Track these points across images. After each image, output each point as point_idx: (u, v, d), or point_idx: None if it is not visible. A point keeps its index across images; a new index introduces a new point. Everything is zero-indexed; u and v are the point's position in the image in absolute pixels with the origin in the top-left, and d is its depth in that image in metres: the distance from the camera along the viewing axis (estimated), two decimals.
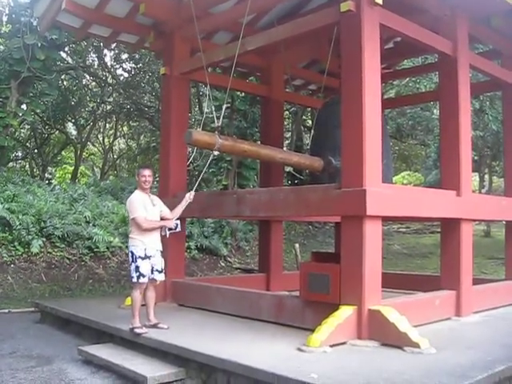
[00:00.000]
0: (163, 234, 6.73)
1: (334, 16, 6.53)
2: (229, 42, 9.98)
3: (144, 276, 6.52)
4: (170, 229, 6.74)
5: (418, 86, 16.17)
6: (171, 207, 7.11)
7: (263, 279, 10.06)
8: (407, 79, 16.99)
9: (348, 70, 6.42)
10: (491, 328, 6.95)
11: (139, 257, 6.53)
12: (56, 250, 11.88)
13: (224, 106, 7.91)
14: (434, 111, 17.75)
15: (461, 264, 7.38)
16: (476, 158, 18.96)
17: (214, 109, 8.47)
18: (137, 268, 6.52)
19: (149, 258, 6.56)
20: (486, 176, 22.97)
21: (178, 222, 6.88)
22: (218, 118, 7.47)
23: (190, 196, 7.17)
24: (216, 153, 7.16)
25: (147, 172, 6.82)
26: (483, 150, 18.34)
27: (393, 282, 8.68)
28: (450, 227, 7.55)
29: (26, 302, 9.67)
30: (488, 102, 15.92)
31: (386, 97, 17.75)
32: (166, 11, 8.87)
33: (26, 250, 11.37)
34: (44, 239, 11.77)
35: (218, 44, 9.91)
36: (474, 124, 15.55)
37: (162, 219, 6.92)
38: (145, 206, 6.62)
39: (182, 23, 8.78)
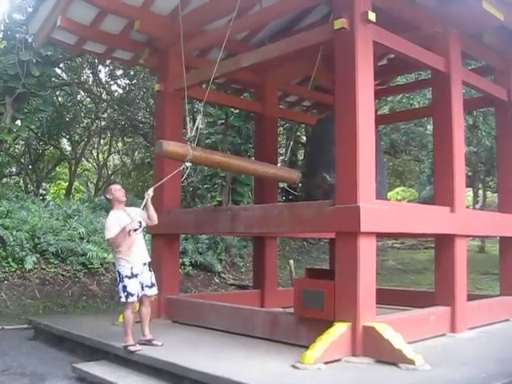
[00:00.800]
0: (130, 234, 6.51)
1: (328, 33, 6.59)
2: (223, 58, 10.00)
3: (132, 295, 6.47)
4: (134, 230, 6.53)
5: (411, 102, 16.26)
6: (166, 222, 7.09)
7: (257, 296, 10.02)
8: (401, 95, 17.04)
9: (342, 86, 6.46)
10: (486, 344, 6.94)
11: (126, 276, 6.48)
12: (50, 266, 11.83)
13: (199, 118, 7.85)
14: (428, 127, 17.81)
15: (455, 280, 7.38)
16: (470, 173, 19.02)
17: (188, 120, 8.44)
18: (124, 288, 6.48)
19: (136, 276, 6.52)
20: (480, 191, 23.04)
21: (141, 219, 6.65)
22: (196, 129, 7.45)
23: (148, 193, 6.88)
24: (188, 164, 7.12)
25: (120, 186, 6.85)
26: (477, 166, 18.41)
27: (387, 298, 8.66)
28: (444, 243, 7.56)
29: (20, 319, 9.60)
30: (481, 118, 16.00)
31: (379, 113, 17.81)
32: (161, 28, 8.92)
33: (20, 266, 11.32)
34: (38, 255, 11.72)
35: (212, 61, 9.94)
36: (468, 140, 15.62)
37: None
38: (120, 223, 6.49)
39: (176, 40, 8.79)
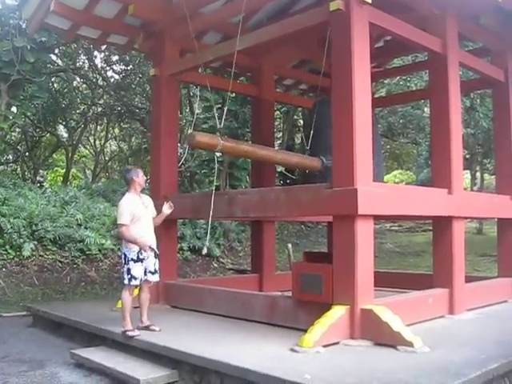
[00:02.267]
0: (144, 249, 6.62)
1: (324, 15, 6.53)
2: (218, 42, 9.96)
3: (136, 279, 6.50)
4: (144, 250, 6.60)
5: (408, 84, 16.21)
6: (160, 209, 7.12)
7: (256, 280, 10.04)
8: (398, 78, 17.00)
9: (338, 69, 6.42)
10: (484, 325, 6.95)
11: (131, 259, 6.51)
12: (48, 253, 11.84)
13: (225, 109, 7.95)
14: (425, 109, 17.77)
15: (453, 262, 7.39)
16: (467, 155, 18.99)
17: (216, 111, 8.50)
18: (128, 270, 6.51)
19: (141, 260, 6.54)
20: (478, 173, 23.02)
21: (155, 247, 6.77)
22: (220, 120, 7.56)
23: (169, 206, 7.15)
24: (219, 154, 7.21)
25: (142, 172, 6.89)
26: (474, 148, 18.38)
27: (386, 281, 8.68)
28: (441, 225, 7.55)
29: (18, 306, 9.61)
30: (478, 100, 15.97)
31: (376, 95, 17.72)
32: (155, 12, 8.85)
33: (18, 253, 11.31)
34: (36, 242, 11.72)
35: (207, 44, 9.89)
36: (465, 122, 15.58)
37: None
38: (133, 210, 6.56)
39: (171, 24, 8.75)
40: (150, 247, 6.58)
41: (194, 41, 7.91)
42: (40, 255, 11.68)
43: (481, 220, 18.84)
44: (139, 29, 9.35)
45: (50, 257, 11.78)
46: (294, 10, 9.55)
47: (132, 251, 6.52)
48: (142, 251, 6.51)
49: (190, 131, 7.82)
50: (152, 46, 9.33)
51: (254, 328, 6.79)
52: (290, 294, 6.99)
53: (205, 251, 7.89)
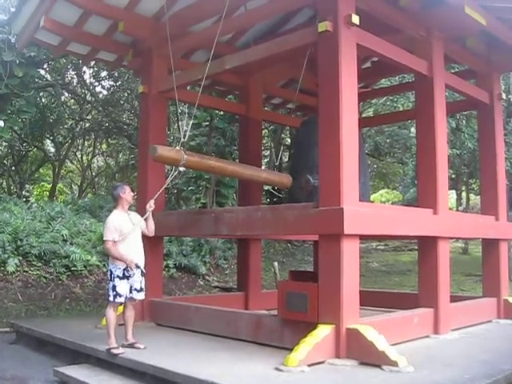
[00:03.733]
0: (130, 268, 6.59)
1: (312, 36, 6.61)
2: (207, 60, 10.00)
3: (121, 296, 6.48)
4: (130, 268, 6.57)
5: (395, 104, 16.32)
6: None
7: (242, 298, 10.01)
8: (385, 98, 17.14)
9: (325, 89, 6.48)
10: (469, 345, 6.98)
11: (117, 276, 6.49)
12: (32, 268, 11.73)
13: (190, 123, 7.91)
14: (412, 129, 17.88)
15: (438, 282, 7.43)
16: (453, 175, 19.10)
17: (188, 126, 8.47)
18: (114, 287, 6.49)
19: (127, 278, 6.52)
20: (464, 194, 23.16)
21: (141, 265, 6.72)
22: (187, 132, 7.48)
23: (150, 204, 7.02)
24: (182, 169, 7.15)
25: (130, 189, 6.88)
26: (460, 168, 18.48)
27: (371, 300, 8.72)
28: (427, 245, 7.60)
29: (1, 322, 9.50)
30: (464, 121, 16.11)
31: (364, 115, 17.89)
32: (145, 29, 8.90)
33: (2, 268, 11.19)
34: (20, 258, 11.61)
35: (196, 62, 9.95)
36: (451, 142, 15.70)
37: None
38: (121, 227, 6.56)
39: (160, 42, 8.79)
40: (136, 265, 6.55)
41: (181, 60, 7.95)
42: (24, 271, 11.58)
43: (466, 240, 18.94)
44: (128, 46, 9.39)
45: (34, 272, 11.67)
46: (283, 30, 9.64)
47: (118, 268, 6.51)
48: (128, 268, 6.50)
49: (177, 148, 7.80)
50: (141, 63, 9.37)
51: (240, 347, 6.77)
52: (275, 312, 6.98)
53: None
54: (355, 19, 6.33)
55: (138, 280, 6.66)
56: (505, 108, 13.77)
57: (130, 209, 7.04)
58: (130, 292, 6.61)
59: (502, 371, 5.54)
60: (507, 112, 14.75)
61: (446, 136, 8.38)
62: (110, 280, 6.56)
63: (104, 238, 6.63)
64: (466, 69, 10.44)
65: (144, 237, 6.98)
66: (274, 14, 8.66)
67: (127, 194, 6.81)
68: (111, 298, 6.52)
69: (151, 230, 7.04)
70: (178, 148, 7.27)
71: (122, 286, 6.50)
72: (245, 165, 8.48)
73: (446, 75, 8.34)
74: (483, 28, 7.60)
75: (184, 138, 7.39)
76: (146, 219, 6.96)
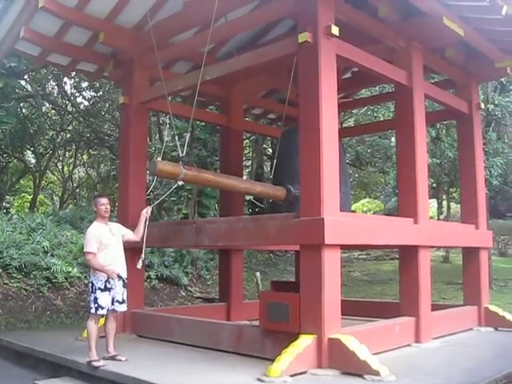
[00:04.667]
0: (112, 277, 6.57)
1: (292, 47, 6.66)
2: (188, 71, 10.02)
3: (102, 308, 6.45)
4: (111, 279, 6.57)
5: (376, 114, 16.44)
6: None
7: (223, 309, 9.97)
8: (365, 108, 17.25)
9: (305, 99, 6.51)
10: (450, 353, 7.03)
11: (99, 288, 6.46)
12: (13, 281, 11.61)
13: (188, 136, 7.93)
14: (392, 139, 17.95)
15: (419, 290, 7.48)
16: (434, 184, 19.23)
17: (177, 139, 8.50)
18: (95, 299, 6.45)
19: (109, 290, 6.49)
20: (444, 202, 23.30)
21: (123, 275, 6.73)
22: (181, 147, 7.53)
23: (146, 211, 7.17)
24: (180, 183, 7.19)
25: (105, 200, 6.85)
26: (441, 177, 18.58)
27: (353, 310, 8.73)
28: (408, 254, 7.65)
29: None
30: (444, 130, 16.24)
31: (345, 125, 18.01)
32: (125, 40, 8.88)
33: None
34: (0, 270, 11.50)
35: (177, 73, 9.95)
36: (431, 151, 15.81)
37: (126, 242, 6.98)
38: (100, 238, 6.55)
39: (141, 52, 8.79)
40: (118, 275, 6.52)
41: (162, 70, 7.96)
42: (4, 283, 11.46)
43: (447, 248, 19.06)
44: (109, 57, 9.37)
45: (14, 285, 11.56)
46: (264, 41, 9.69)
47: (99, 280, 6.47)
48: (110, 280, 6.46)
49: (158, 159, 7.80)
50: (121, 73, 9.35)
51: (222, 358, 6.75)
52: (257, 323, 6.98)
53: (139, 265, 7.57)
54: (335, 30, 6.39)
55: (119, 292, 6.63)
56: (483, 117, 13.94)
57: (110, 219, 7.01)
58: (112, 304, 6.57)
59: (484, 379, 5.60)
60: (486, 121, 14.92)
61: (426, 145, 8.46)
62: (92, 292, 6.52)
63: (84, 250, 6.62)
64: (445, 79, 10.54)
65: (125, 248, 6.96)
66: (255, 25, 8.72)
67: (98, 207, 6.79)
68: (93, 311, 6.48)
69: (140, 235, 7.16)
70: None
71: (104, 298, 6.46)
72: (240, 178, 8.55)
73: (426, 85, 8.43)
74: (461, 38, 7.70)
75: (182, 152, 7.48)
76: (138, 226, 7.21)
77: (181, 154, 7.45)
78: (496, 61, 8.83)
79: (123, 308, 6.75)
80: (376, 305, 10.54)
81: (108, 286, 6.49)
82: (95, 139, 20.78)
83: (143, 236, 7.23)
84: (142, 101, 8.86)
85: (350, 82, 10.72)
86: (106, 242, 6.58)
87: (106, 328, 6.69)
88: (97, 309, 6.45)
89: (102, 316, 6.62)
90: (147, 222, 7.33)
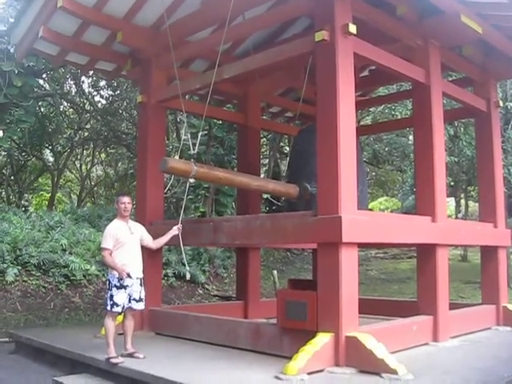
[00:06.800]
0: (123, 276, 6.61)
1: (309, 45, 6.65)
2: (205, 69, 10.05)
3: (118, 305, 6.49)
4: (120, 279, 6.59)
5: (393, 112, 16.37)
6: (149, 234, 7.18)
7: (241, 307, 10.00)
8: (383, 106, 17.18)
9: (323, 97, 6.50)
10: (468, 353, 6.98)
11: (114, 285, 6.52)
12: (32, 278, 11.73)
13: (200, 134, 7.97)
14: (410, 137, 17.93)
15: (437, 289, 7.44)
16: (452, 183, 19.13)
17: (190, 136, 8.52)
18: (111, 297, 6.51)
19: (125, 287, 6.53)
20: (462, 201, 23.17)
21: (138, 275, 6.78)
22: (194, 145, 7.54)
23: (178, 227, 7.36)
24: (192, 180, 7.20)
25: (126, 199, 6.87)
26: (459, 175, 18.49)
27: (370, 308, 8.70)
28: (425, 253, 7.61)
29: (1, 332, 9.48)
30: (462, 128, 16.14)
31: (362, 123, 17.94)
32: (143, 39, 8.93)
33: (1, 278, 11.19)
34: (19, 267, 11.60)
35: (194, 72, 9.99)
36: (449, 150, 15.74)
37: (142, 246, 7.01)
38: (117, 235, 6.62)
39: (158, 51, 8.83)
40: (128, 274, 6.54)
41: (180, 69, 7.99)
42: (24, 280, 11.58)
43: (465, 247, 18.95)
44: (127, 56, 9.43)
45: (33, 282, 11.67)
46: (281, 39, 9.69)
47: (115, 277, 6.53)
48: (126, 279, 6.50)
49: (176, 157, 7.85)
50: (139, 72, 9.40)
51: (239, 355, 6.77)
52: (275, 321, 6.98)
53: (188, 277, 7.92)
54: (352, 28, 6.37)
55: (137, 290, 6.67)
56: (502, 115, 13.83)
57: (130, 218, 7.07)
58: (129, 302, 6.62)
59: (501, 378, 5.57)
60: (505, 119, 14.80)
61: (444, 143, 8.41)
62: (108, 289, 6.60)
63: (101, 245, 6.72)
64: (463, 77, 10.47)
65: (142, 246, 7.00)
66: (272, 24, 8.72)
67: (118, 205, 6.89)
68: (108, 308, 6.55)
69: (158, 246, 7.36)
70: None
71: (120, 296, 6.51)
72: (252, 176, 8.51)
73: (443, 83, 8.38)
74: (479, 36, 7.65)
75: (194, 150, 7.52)
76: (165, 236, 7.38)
77: (193, 151, 7.48)
78: None
79: (140, 306, 6.79)
80: (393, 303, 10.50)
81: (124, 283, 6.53)
82: (113, 138, 20.89)
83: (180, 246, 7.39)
84: (160, 99, 8.90)
85: (367, 80, 10.68)
86: (123, 240, 6.64)
87: (123, 325, 6.75)
88: (112, 306, 6.50)
89: (120, 313, 6.68)
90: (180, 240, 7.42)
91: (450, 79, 11.19)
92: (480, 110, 9.23)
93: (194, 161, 7.18)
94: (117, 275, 6.50)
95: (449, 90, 8.43)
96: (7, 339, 8.83)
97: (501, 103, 9.80)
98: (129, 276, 6.55)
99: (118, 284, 6.51)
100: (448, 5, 7.05)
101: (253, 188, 8.20)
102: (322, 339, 5.92)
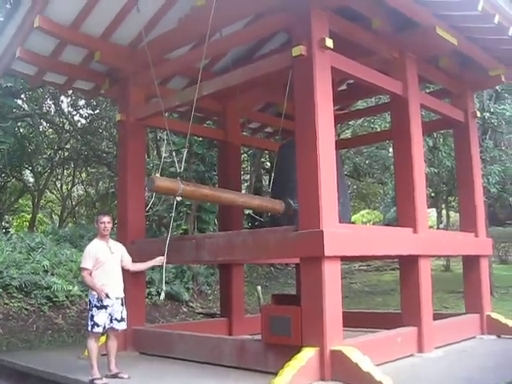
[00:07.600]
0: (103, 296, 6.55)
1: (287, 60, 6.69)
2: (184, 87, 10.06)
3: (98, 326, 6.42)
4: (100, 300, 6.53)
5: (372, 125, 16.49)
6: (132, 253, 7.12)
7: (225, 323, 9.94)
8: (362, 119, 17.29)
9: (301, 112, 6.54)
10: (453, 363, 7.00)
11: (95, 306, 6.46)
12: (13, 300, 11.58)
13: (185, 152, 7.99)
14: (390, 150, 18.01)
15: (421, 300, 7.46)
16: (432, 193, 19.26)
17: (171, 154, 8.52)
18: (92, 317, 6.45)
19: (105, 307, 6.46)
20: (444, 211, 23.33)
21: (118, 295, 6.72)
22: (177, 162, 7.53)
23: (160, 260, 7.27)
24: (179, 198, 7.18)
25: (106, 218, 6.81)
26: (439, 186, 18.64)
27: (355, 321, 8.69)
28: (408, 264, 7.64)
29: None
30: (441, 139, 16.28)
31: (342, 137, 18.05)
32: (121, 58, 8.94)
33: None
34: (0, 290, 11.47)
35: (173, 89, 9.99)
36: (429, 161, 15.86)
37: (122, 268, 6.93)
38: (97, 255, 6.57)
39: (137, 69, 8.83)
40: (106, 294, 6.48)
41: (158, 87, 7.99)
42: (5, 303, 11.42)
43: (447, 257, 19.05)
44: (105, 74, 9.42)
45: (15, 304, 11.52)
46: (260, 55, 9.73)
47: (95, 297, 6.47)
48: (106, 299, 6.44)
49: (156, 175, 7.83)
50: (118, 91, 9.39)
51: (225, 373, 6.73)
52: (259, 337, 6.95)
53: (162, 296, 7.90)
54: (329, 43, 6.43)
55: (118, 310, 6.61)
56: (480, 126, 13.98)
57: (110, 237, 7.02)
58: (111, 322, 6.56)
59: None
60: (482, 129, 14.96)
61: (424, 155, 8.48)
62: (89, 309, 6.53)
63: (81, 265, 6.70)
64: (440, 88, 10.59)
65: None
66: (250, 40, 8.76)
67: (98, 225, 6.83)
68: (89, 328, 6.48)
69: (137, 270, 7.33)
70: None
71: (100, 316, 6.44)
72: (238, 192, 8.54)
73: (421, 95, 8.47)
74: (455, 48, 7.76)
75: (180, 168, 7.52)
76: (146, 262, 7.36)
77: (178, 170, 7.48)
78: (490, 69, 8.88)
79: (122, 326, 6.73)
80: (378, 316, 10.52)
81: (104, 303, 6.46)
82: (93, 157, 20.80)
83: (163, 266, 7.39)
84: (139, 117, 8.89)
85: (345, 93, 10.76)
86: (103, 260, 6.59)
87: (107, 346, 6.68)
88: (93, 326, 6.43)
89: (102, 334, 6.61)
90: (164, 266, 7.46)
91: (428, 91, 11.29)
92: (458, 120, 9.33)
93: (181, 179, 7.18)
94: (96, 295, 6.44)
95: (427, 101, 8.52)
96: None
97: (478, 114, 9.91)
98: (107, 296, 6.48)
99: (99, 304, 6.44)
100: (423, 18, 7.15)
101: (239, 204, 8.21)
102: (307, 354, 5.90)
